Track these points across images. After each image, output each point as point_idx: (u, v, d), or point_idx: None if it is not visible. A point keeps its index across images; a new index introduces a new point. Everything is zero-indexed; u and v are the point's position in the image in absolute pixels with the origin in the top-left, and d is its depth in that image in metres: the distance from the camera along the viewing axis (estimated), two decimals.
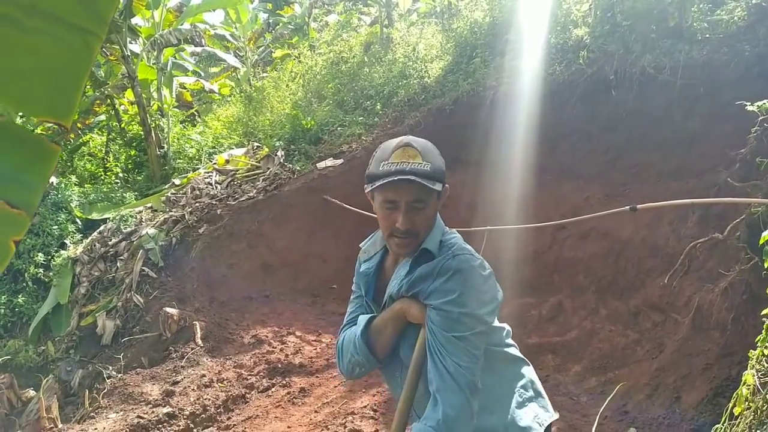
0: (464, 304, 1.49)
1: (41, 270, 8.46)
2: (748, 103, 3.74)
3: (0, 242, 0.84)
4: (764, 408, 1.91)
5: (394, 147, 1.57)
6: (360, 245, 1.83)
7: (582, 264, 6.22)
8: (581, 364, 5.30)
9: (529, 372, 1.80)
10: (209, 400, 5.11)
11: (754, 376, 2.03)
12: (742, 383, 2.07)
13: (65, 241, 8.85)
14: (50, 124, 0.88)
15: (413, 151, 1.55)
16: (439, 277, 1.54)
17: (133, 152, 12.47)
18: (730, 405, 2.17)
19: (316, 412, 4.92)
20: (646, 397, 4.35)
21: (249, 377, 5.59)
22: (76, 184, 10.41)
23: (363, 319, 1.68)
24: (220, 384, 5.41)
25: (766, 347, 2.19)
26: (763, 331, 2.24)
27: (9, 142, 0.85)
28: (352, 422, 4.59)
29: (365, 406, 4.81)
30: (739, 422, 2.06)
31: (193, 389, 5.26)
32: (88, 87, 11.60)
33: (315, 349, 6.21)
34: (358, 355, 1.65)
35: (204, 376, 5.50)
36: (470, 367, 1.46)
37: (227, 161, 9.54)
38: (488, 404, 1.59)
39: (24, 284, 8.34)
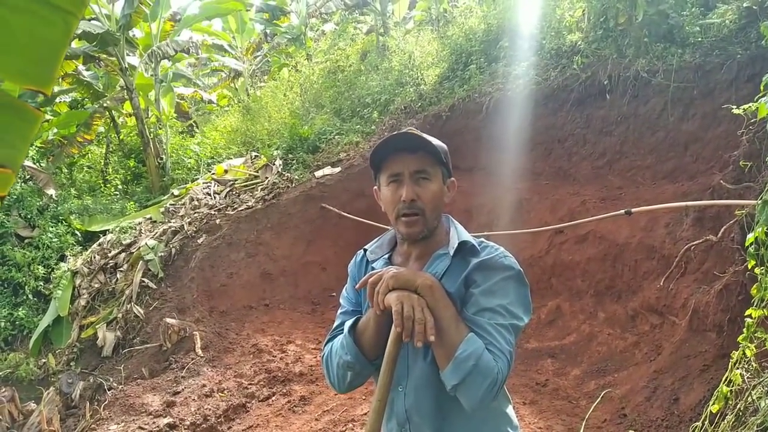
0: (512, 302, 1.54)
1: (41, 283, 8.50)
2: (735, 107, 3.78)
3: None
4: (747, 408, 1.92)
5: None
6: (365, 247, 1.81)
7: (579, 268, 6.24)
8: (580, 368, 5.32)
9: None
10: (210, 409, 5.12)
11: (743, 376, 2.04)
12: (723, 381, 2.08)
13: (65, 253, 8.88)
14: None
15: (414, 131, 1.64)
16: (494, 272, 1.57)
17: (132, 163, 12.52)
18: (710, 403, 2.19)
19: (316, 420, 4.93)
20: (645, 400, 4.36)
21: (249, 386, 5.60)
22: (75, 197, 10.44)
23: (350, 321, 1.66)
24: (220, 394, 5.42)
25: (747, 347, 2.20)
26: (745, 330, 2.26)
27: None
28: (353, 430, 4.61)
29: (365, 414, 4.83)
30: (719, 421, 2.08)
31: (193, 399, 5.28)
32: (86, 99, 11.68)
33: (315, 357, 6.22)
34: (347, 354, 1.60)
35: (204, 386, 5.52)
36: (510, 349, 1.47)
37: (226, 171, 9.58)
38: None
39: (24, 297, 8.37)
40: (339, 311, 1.81)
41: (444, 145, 1.66)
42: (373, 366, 1.63)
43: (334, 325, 1.78)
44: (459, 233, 1.67)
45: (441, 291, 1.51)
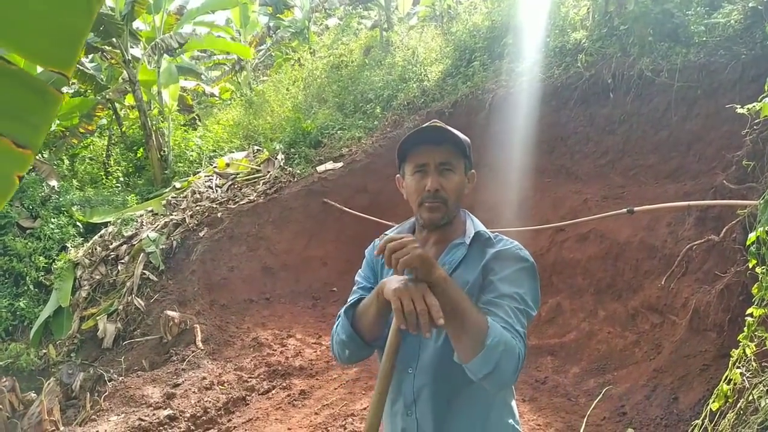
0: (526, 292, 1.58)
1: (42, 273, 8.50)
2: (738, 106, 3.77)
3: (5, 177, 0.93)
4: (748, 407, 1.92)
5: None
6: (385, 233, 1.79)
7: (580, 266, 6.24)
8: (580, 366, 5.33)
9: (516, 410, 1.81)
10: (210, 402, 5.14)
11: (743, 375, 2.05)
12: (723, 379, 2.08)
13: (66, 244, 8.89)
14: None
15: (440, 123, 1.68)
16: (510, 262, 1.61)
17: (140, 153, 12.52)
18: (710, 401, 2.19)
19: (316, 414, 4.95)
20: (644, 398, 4.37)
21: (249, 380, 5.62)
22: (77, 188, 10.45)
23: (353, 299, 1.70)
24: (220, 386, 5.44)
25: (747, 346, 2.21)
26: (745, 329, 2.26)
27: (18, 87, 0.95)
28: (352, 424, 4.62)
29: (364, 408, 4.84)
30: (719, 420, 2.08)
31: (193, 392, 5.29)
32: (89, 91, 11.67)
33: (315, 351, 6.24)
34: (343, 333, 1.64)
35: (204, 378, 5.53)
36: (524, 332, 1.50)
37: (228, 165, 9.58)
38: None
39: (25, 288, 8.38)
40: (355, 287, 1.84)
41: (468, 139, 1.71)
42: (370, 347, 1.67)
43: (349, 299, 1.79)
44: (475, 225, 1.74)
45: (455, 284, 1.50)
